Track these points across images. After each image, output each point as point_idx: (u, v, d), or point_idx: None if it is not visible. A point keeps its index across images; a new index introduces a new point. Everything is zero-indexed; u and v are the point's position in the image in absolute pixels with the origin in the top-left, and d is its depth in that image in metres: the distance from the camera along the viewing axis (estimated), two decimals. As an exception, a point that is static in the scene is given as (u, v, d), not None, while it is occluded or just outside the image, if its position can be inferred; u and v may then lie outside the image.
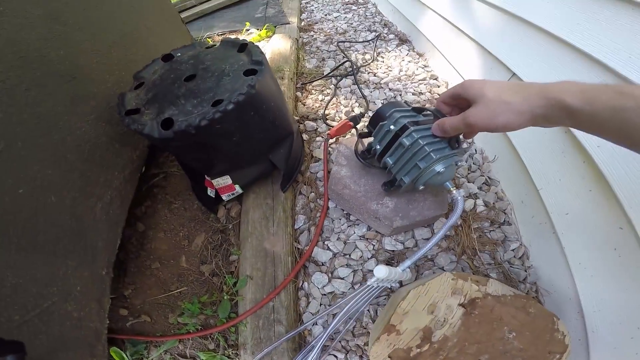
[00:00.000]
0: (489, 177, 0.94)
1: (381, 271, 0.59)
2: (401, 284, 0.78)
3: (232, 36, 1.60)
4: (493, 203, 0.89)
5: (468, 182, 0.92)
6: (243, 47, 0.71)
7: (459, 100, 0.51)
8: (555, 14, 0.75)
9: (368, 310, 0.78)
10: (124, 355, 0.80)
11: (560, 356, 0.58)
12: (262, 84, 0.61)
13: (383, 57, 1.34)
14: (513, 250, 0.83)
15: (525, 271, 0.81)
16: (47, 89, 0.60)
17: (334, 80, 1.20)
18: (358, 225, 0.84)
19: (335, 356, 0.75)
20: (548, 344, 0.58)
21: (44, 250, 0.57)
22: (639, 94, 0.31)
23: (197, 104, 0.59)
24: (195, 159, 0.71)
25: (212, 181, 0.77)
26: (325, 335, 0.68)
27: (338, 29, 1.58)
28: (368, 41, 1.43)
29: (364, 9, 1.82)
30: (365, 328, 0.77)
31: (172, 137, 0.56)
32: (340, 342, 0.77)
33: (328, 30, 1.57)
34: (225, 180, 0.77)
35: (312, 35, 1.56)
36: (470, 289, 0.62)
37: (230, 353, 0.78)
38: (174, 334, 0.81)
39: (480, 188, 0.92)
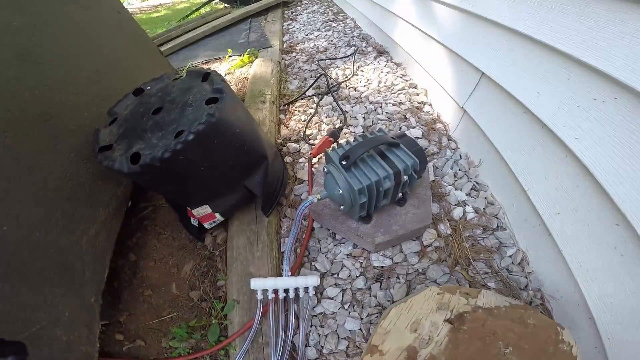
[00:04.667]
0: (476, 182, 0.91)
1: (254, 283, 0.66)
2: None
3: (216, 64, 1.65)
4: (483, 209, 0.86)
5: (455, 189, 0.90)
6: (206, 76, 0.72)
7: None
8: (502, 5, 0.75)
9: (360, 329, 0.75)
10: (120, 380, 0.78)
11: (567, 369, 0.54)
12: (224, 111, 0.62)
13: (363, 71, 1.35)
14: (510, 256, 0.80)
15: (526, 277, 0.77)
16: (25, 130, 0.60)
17: (316, 99, 1.21)
18: (344, 243, 0.82)
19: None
20: (552, 356, 0.54)
21: (30, 280, 0.58)
22: None
23: (162, 137, 0.60)
24: (169, 190, 0.72)
25: (192, 211, 0.77)
26: None
27: (319, 47, 1.62)
28: (347, 56, 1.45)
29: (343, 25, 1.86)
30: (358, 347, 0.74)
31: (139, 171, 0.57)
32: None
33: (309, 50, 1.60)
34: (205, 209, 0.76)
35: (294, 56, 1.59)
36: (457, 303, 0.59)
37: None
38: (167, 357, 0.81)
39: (468, 194, 0.89)
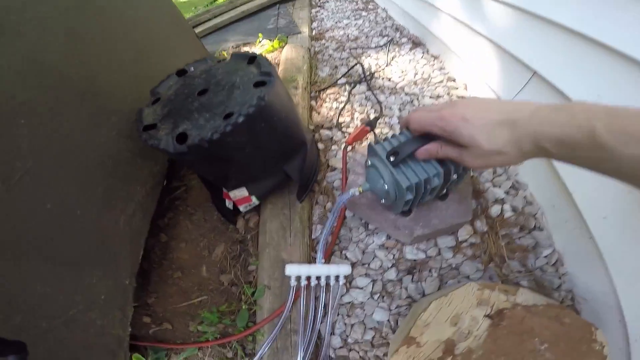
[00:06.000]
0: (516, 181, 0.89)
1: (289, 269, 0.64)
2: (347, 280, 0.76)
3: (246, 48, 1.64)
4: (522, 208, 0.84)
5: (493, 186, 0.88)
6: (252, 59, 0.71)
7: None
8: (572, 8, 0.71)
9: (388, 320, 0.75)
10: (146, 362, 0.82)
11: (597, 368, 0.54)
12: (272, 95, 0.61)
13: (397, 62, 1.31)
14: (546, 256, 0.78)
15: (560, 278, 0.75)
16: (69, 107, 0.61)
17: (347, 87, 1.19)
18: (377, 234, 0.81)
19: (352, 366, 0.73)
20: (584, 355, 0.54)
21: (70, 261, 0.59)
22: None
23: (210, 118, 0.60)
24: (210, 171, 0.73)
25: (229, 193, 0.78)
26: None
27: (349, 35, 1.58)
28: (380, 46, 1.41)
29: (374, 14, 1.81)
30: (384, 338, 0.74)
31: (186, 151, 0.57)
32: (358, 352, 0.74)
33: (339, 38, 1.57)
34: (242, 192, 0.77)
35: (324, 44, 1.56)
36: (497, 299, 0.59)
37: (247, 362, 0.78)
38: (194, 342, 0.82)
39: (507, 192, 0.87)
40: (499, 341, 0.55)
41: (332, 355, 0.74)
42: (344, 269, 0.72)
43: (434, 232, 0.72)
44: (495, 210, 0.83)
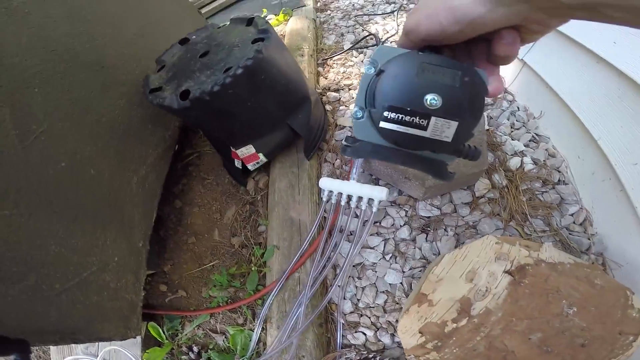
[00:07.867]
0: (536, 134, 0.83)
1: (323, 182, 0.61)
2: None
3: (251, 24, 1.62)
4: (544, 160, 0.78)
5: (512, 139, 0.83)
6: (250, 21, 0.73)
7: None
8: None
9: (401, 283, 0.72)
10: (160, 331, 0.84)
11: (634, 338, 0.47)
12: (270, 49, 0.63)
13: None
14: (572, 215, 0.73)
15: (589, 239, 0.70)
16: (79, 78, 0.65)
17: (354, 53, 1.16)
18: (388, 190, 0.78)
19: (364, 333, 0.71)
20: (619, 323, 0.47)
21: (84, 221, 0.60)
22: None
23: (211, 74, 0.62)
24: (216, 128, 0.73)
25: (237, 151, 0.77)
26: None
27: (355, 4, 1.53)
28: (387, 13, 1.36)
29: (381, -18, 1.74)
30: (397, 303, 0.72)
31: (189, 106, 0.59)
32: (369, 317, 0.72)
33: (344, 7, 1.53)
34: (249, 149, 0.76)
35: (329, 14, 1.53)
36: (518, 254, 0.53)
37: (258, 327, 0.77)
38: (206, 307, 0.83)
39: (527, 145, 0.82)
40: (521, 302, 0.49)
41: (343, 321, 0.72)
42: (378, 192, 0.61)
43: (447, 184, 0.68)
44: (514, 162, 0.78)
